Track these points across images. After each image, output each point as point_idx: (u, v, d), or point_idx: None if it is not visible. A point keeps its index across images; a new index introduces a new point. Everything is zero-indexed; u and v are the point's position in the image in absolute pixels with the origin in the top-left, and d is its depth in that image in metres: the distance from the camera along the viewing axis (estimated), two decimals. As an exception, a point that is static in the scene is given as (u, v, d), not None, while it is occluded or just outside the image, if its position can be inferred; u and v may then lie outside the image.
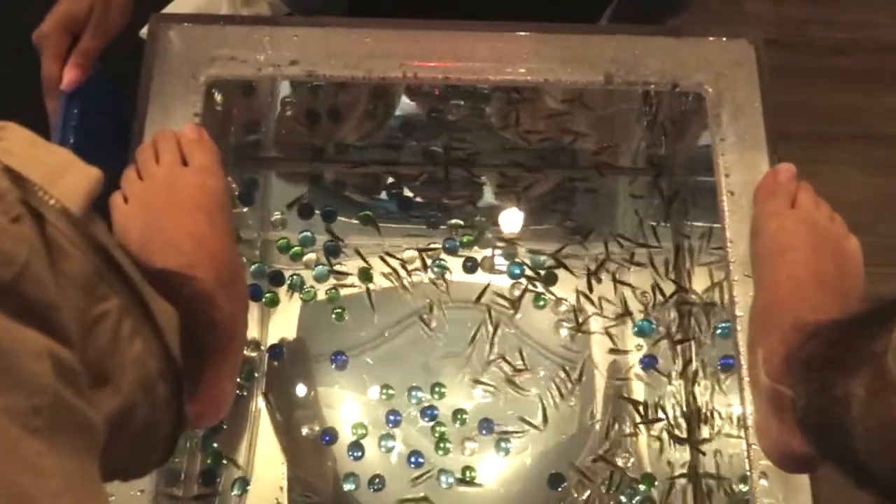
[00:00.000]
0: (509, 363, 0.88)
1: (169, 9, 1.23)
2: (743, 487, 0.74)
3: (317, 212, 0.94)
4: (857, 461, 0.48)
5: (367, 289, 0.90)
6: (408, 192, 0.96)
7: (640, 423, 0.85)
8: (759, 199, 0.75)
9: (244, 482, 0.82)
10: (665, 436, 0.85)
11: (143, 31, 0.85)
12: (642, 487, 0.84)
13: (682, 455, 0.85)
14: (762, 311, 0.69)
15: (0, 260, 0.30)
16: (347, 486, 0.83)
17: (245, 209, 0.94)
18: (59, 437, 0.30)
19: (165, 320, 0.44)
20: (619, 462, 0.84)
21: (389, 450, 0.84)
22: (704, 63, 0.83)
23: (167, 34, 0.82)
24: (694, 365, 0.87)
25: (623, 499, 0.83)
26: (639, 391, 0.87)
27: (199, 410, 0.64)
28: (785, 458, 0.66)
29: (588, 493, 0.83)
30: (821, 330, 0.58)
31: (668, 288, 0.90)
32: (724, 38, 0.84)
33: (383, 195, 0.96)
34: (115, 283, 0.40)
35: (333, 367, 0.88)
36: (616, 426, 0.86)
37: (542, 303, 0.91)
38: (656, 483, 0.84)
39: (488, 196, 0.97)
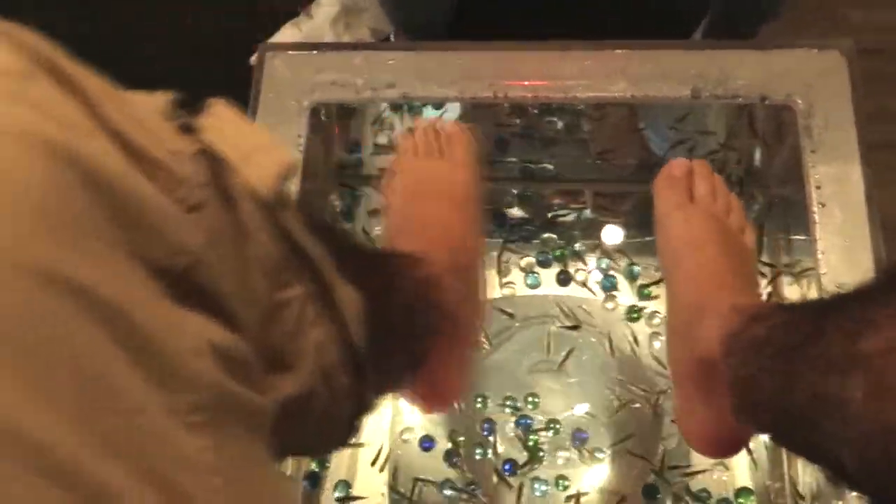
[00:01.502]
0: (605, 377, 0.89)
1: (275, 38, 1.30)
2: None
3: (414, 227, 0.98)
4: (840, 464, 0.45)
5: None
6: (502, 208, 0.98)
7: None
8: (657, 195, 0.75)
9: (346, 485, 0.86)
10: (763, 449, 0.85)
11: (252, 59, 0.92)
12: (739, 500, 0.84)
13: (776, 468, 0.84)
14: (687, 300, 0.67)
15: (173, 250, 0.30)
16: (446, 492, 0.86)
17: (348, 225, 0.98)
18: (222, 429, 0.30)
19: (349, 310, 0.43)
20: (715, 476, 0.85)
21: (484, 456, 0.87)
22: (794, 74, 0.83)
23: (273, 62, 0.87)
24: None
25: None
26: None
27: (425, 393, 0.66)
28: (711, 444, 0.65)
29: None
30: (766, 313, 0.56)
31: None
32: (815, 49, 0.83)
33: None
34: (301, 270, 0.40)
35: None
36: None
37: (635, 315, 0.92)
38: (752, 497, 0.84)
39: (583, 211, 0.98)
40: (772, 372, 0.51)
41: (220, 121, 0.37)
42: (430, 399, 0.67)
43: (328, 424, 0.46)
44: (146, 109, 0.33)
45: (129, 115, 0.30)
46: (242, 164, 0.36)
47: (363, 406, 0.49)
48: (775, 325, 0.53)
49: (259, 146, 0.38)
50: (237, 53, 0.90)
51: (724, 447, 0.66)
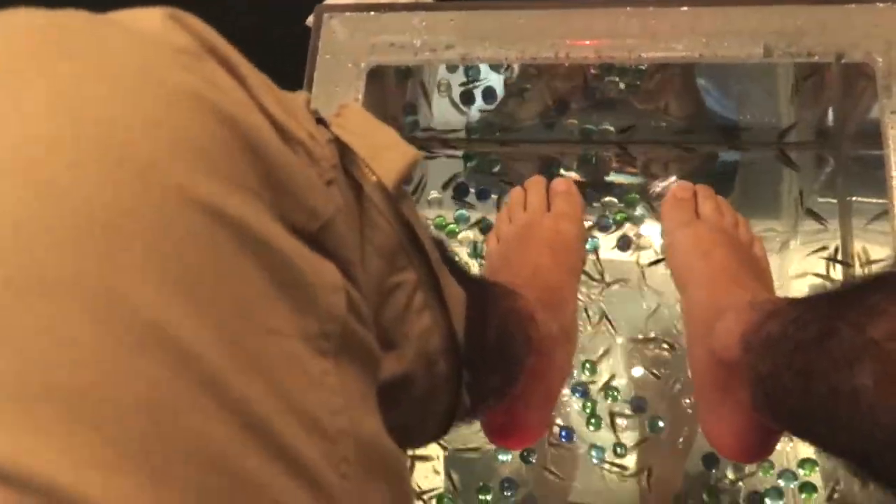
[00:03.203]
0: (665, 342, 0.87)
1: (332, -2, 1.28)
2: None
3: (471, 190, 0.96)
4: (865, 457, 0.45)
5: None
6: (561, 170, 0.96)
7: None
8: (664, 217, 0.78)
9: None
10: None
11: (309, 20, 0.90)
12: (802, 472, 0.82)
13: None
14: (704, 302, 0.67)
15: (309, 213, 0.33)
16: (502, 458, 0.86)
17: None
18: (344, 362, 0.32)
19: (454, 302, 0.45)
20: (779, 446, 0.82)
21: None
22: (873, 31, 0.79)
23: (330, 23, 0.86)
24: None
25: (781, 482, 0.81)
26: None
27: (500, 423, 0.67)
28: (738, 448, 0.64)
29: (744, 473, 0.82)
30: (780, 308, 0.56)
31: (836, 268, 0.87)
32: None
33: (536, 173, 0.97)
34: (414, 258, 0.42)
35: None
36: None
37: (697, 281, 0.90)
38: (816, 468, 0.82)
39: (643, 173, 0.96)
40: (789, 368, 0.52)
41: (352, 120, 0.40)
42: (508, 433, 0.68)
43: (426, 411, 0.48)
44: (290, 100, 0.36)
45: (277, 99, 0.34)
46: (370, 157, 0.39)
47: (458, 404, 0.49)
48: (791, 321, 0.53)
49: (387, 143, 0.41)
50: (294, 14, 0.89)
51: (752, 451, 0.65)
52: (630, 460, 0.84)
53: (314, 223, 0.33)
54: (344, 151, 0.38)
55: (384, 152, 0.40)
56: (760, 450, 0.65)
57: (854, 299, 0.48)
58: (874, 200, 0.83)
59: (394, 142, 0.42)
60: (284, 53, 0.89)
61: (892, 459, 0.43)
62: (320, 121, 0.38)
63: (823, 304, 0.54)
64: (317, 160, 0.35)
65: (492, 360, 0.56)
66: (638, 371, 0.87)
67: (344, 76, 0.83)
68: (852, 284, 0.52)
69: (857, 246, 0.87)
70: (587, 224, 0.93)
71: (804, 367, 0.50)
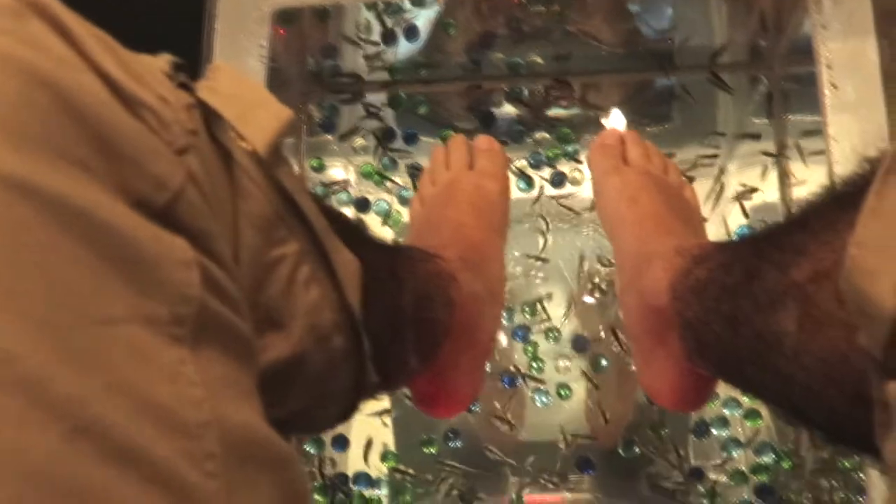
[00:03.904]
0: (604, 280, 0.85)
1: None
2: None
3: (398, 135, 0.92)
4: (790, 400, 0.44)
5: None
6: (490, 108, 0.93)
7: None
8: (592, 164, 0.76)
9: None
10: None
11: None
12: (746, 399, 0.81)
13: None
14: (633, 249, 0.66)
15: (153, 183, 0.30)
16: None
17: (328, 136, 0.93)
18: (204, 346, 0.29)
19: (347, 273, 0.43)
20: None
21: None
22: (801, -58, 0.76)
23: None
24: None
25: (726, 411, 0.80)
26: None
27: (429, 391, 0.64)
28: (674, 397, 0.62)
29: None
30: (707, 254, 0.54)
31: (771, 186, 0.85)
32: (823, -88, 0.76)
33: (464, 112, 0.94)
34: (295, 228, 0.39)
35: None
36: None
37: (635, 214, 0.87)
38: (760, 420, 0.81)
39: (574, 105, 0.93)
40: (717, 313, 0.50)
41: (222, 82, 0.38)
42: (436, 401, 0.65)
43: (324, 392, 0.45)
44: (142, 63, 0.33)
45: (120, 60, 0.31)
46: (240, 121, 0.36)
47: (363, 380, 0.46)
48: (718, 265, 0.52)
49: (257, 103, 0.38)
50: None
51: (689, 399, 0.63)
52: (575, 400, 0.83)
53: (162, 194, 0.30)
54: (210, 117, 0.35)
55: (255, 116, 0.37)
56: (697, 398, 0.63)
57: (779, 239, 0.45)
58: (808, 118, 0.81)
59: (265, 103, 0.39)
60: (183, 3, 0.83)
61: (816, 403, 0.42)
62: (184, 85, 0.35)
63: (749, 246, 0.52)
64: (167, 125, 0.32)
65: (410, 325, 0.53)
66: (578, 310, 0.85)
67: (246, 22, 0.78)
68: (778, 224, 0.49)
69: (794, 165, 0.85)
70: (521, 163, 0.90)
71: (731, 313, 0.48)
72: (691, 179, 0.86)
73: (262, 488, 0.30)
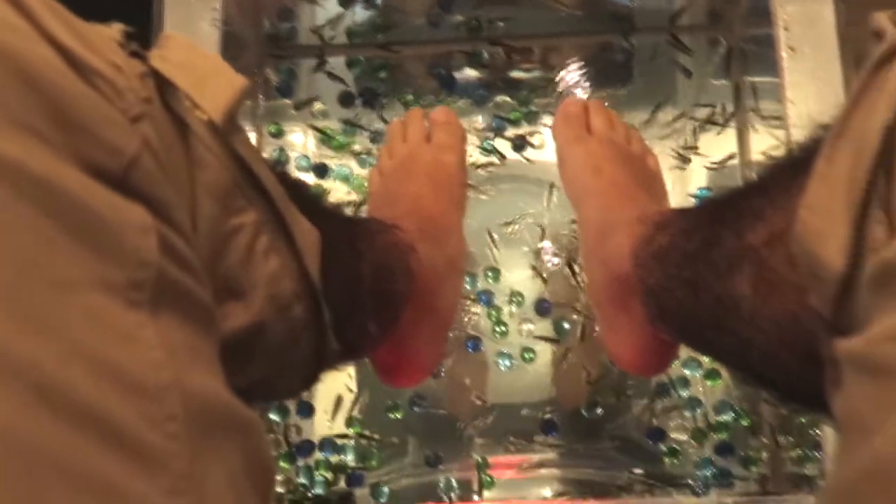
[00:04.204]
0: (567, 245, 0.86)
1: None
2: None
3: (358, 99, 0.91)
4: (747, 362, 0.46)
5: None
6: (450, 71, 0.92)
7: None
8: (556, 134, 0.77)
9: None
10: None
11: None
12: (706, 359, 0.82)
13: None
14: (596, 218, 0.67)
15: (108, 150, 0.30)
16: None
17: (286, 101, 0.92)
18: (163, 312, 0.29)
19: (306, 242, 0.43)
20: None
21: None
22: None
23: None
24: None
25: (687, 371, 0.82)
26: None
27: (388, 361, 0.65)
28: (637, 361, 0.65)
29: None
30: (668, 221, 0.56)
31: (730, 147, 0.86)
32: None
33: (424, 76, 0.93)
34: (253, 197, 0.39)
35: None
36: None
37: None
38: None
39: (535, 69, 0.92)
40: (678, 279, 0.51)
41: (174, 51, 0.38)
42: (397, 371, 0.66)
43: (286, 361, 0.45)
44: (94, 32, 0.33)
45: (73, 30, 0.31)
46: (194, 90, 0.36)
47: (324, 349, 0.47)
48: (678, 231, 0.53)
49: (211, 72, 0.38)
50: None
51: (652, 363, 0.65)
52: (539, 363, 0.83)
53: (118, 161, 0.30)
54: (164, 86, 0.35)
55: (209, 85, 0.37)
56: (659, 363, 0.65)
57: (737, 205, 0.46)
58: (767, 79, 0.81)
59: (219, 71, 0.39)
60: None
61: (772, 364, 0.43)
62: (136, 54, 0.35)
63: (709, 212, 0.53)
64: (121, 93, 0.32)
65: (369, 296, 0.54)
66: (541, 275, 0.85)
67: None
68: (737, 189, 0.51)
69: (752, 126, 0.86)
70: (482, 126, 0.90)
71: (691, 278, 0.49)
72: (652, 143, 0.86)
73: (225, 453, 0.30)
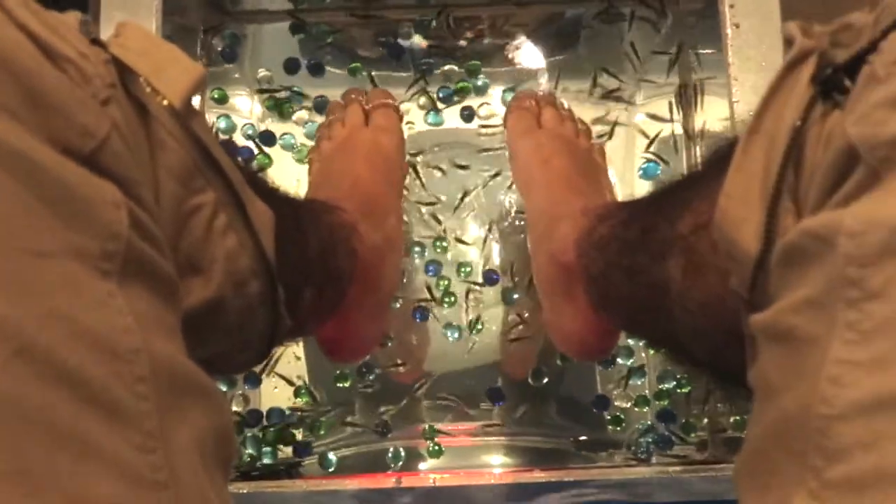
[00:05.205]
0: (513, 213, 0.86)
1: None
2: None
3: (303, 65, 0.90)
4: (679, 343, 0.49)
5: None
6: (398, 39, 0.91)
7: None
8: (507, 126, 0.80)
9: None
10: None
11: None
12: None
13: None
14: (543, 209, 0.70)
15: (80, 131, 0.31)
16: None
17: (229, 66, 0.90)
18: (132, 283, 0.31)
19: (261, 221, 0.44)
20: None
21: (393, 304, 0.84)
22: None
23: None
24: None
25: (630, 341, 0.84)
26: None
27: (332, 337, 0.66)
28: (579, 347, 0.68)
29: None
30: (610, 212, 0.59)
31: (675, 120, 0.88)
32: None
33: (371, 43, 0.92)
34: (212, 178, 0.41)
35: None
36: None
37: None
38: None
39: (482, 38, 0.92)
40: (618, 267, 0.54)
41: (132, 39, 0.39)
42: (340, 346, 0.68)
43: (243, 336, 0.47)
44: (57, 19, 0.34)
45: (38, 16, 0.32)
46: (154, 76, 0.38)
47: (277, 325, 0.49)
48: (618, 222, 0.56)
49: (169, 60, 0.40)
50: None
51: (593, 349, 0.69)
52: (485, 334, 0.84)
53: (88, 142, 0.32)
54: (124, 72, 0.37)
55: (168, 71, 0.39)
56: (601, 349, 0.69)
57: (672, 196, 0.50)
58: (710, 51, 0.82)
59: (177, 59, 0.40)
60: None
61: (701, 344, 0.47)
62: (96, 41, 0.36)
63: (648, 203, 0.56)
64: (89, 78, 0.33)
65: (316, 274, 0.56)
66: (489, 245, 0.86)
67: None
68: (674, 181, 0.54)
69: (697, 98, 0.87)
70: (429, 96, 0.89)
71: (629, 265, 0.52)
72: (596, 112, 0.87)
73: (191, 417, 0.32)
